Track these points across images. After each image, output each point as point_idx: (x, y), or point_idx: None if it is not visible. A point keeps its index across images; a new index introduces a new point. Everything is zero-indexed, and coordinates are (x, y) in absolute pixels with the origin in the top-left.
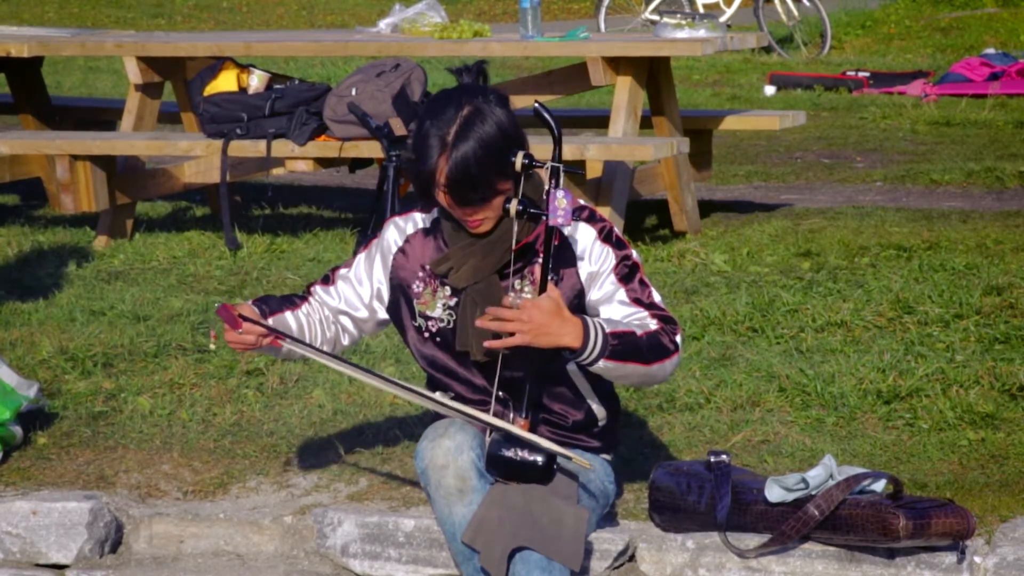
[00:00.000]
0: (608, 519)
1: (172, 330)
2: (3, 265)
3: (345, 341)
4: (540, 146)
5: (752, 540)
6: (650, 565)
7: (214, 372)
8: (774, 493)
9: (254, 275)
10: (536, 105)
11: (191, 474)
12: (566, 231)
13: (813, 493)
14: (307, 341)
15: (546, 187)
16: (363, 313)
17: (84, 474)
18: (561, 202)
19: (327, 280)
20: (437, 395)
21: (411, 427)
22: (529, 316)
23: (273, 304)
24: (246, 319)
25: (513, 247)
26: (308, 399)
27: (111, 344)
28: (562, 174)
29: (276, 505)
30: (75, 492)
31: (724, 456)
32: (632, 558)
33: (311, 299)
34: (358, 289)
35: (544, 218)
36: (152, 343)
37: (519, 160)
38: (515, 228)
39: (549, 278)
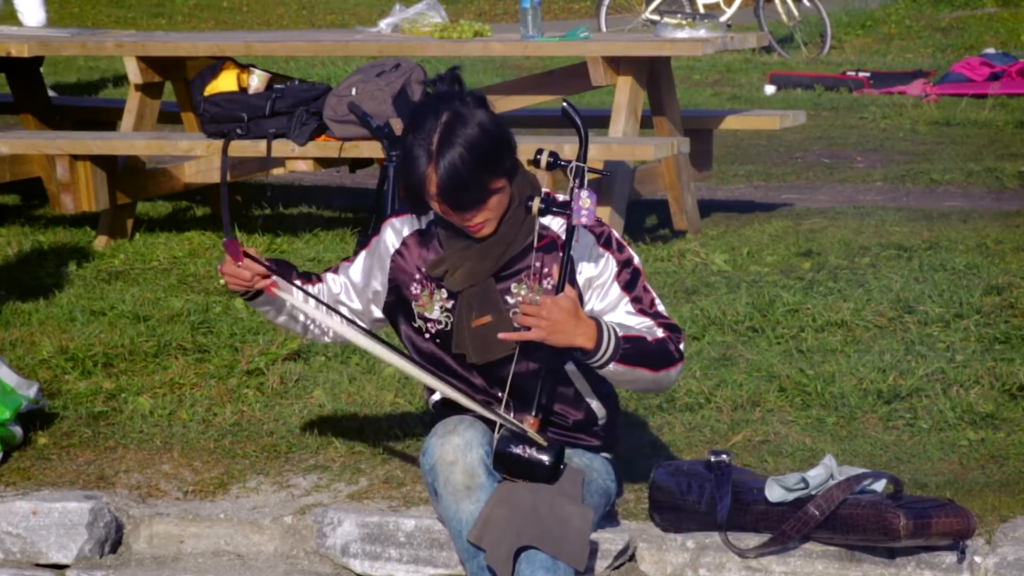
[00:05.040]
0: (608, 519)
1: (172, 330)
2: (3, 265)
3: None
4: (529, 145)
5: (752, 540)
6: (650, 565)
7: (214, 372)
8: (774, 493)
9: None
10: (564, 105)
11: (191, 474)
12: (565, 237)
13: (813, 493)
14: (303, 300)
15: (571, 186)
16: (357, 305)
17: (84, 474)
18: (585, 201)
19: (335, 269)
20: (429, 377)
21: (411, 426)
22: (548, 312)
23: (284, 267)
24: (249, 256)
25: (535, 244)
26: (308, 399)
27: (111, 344)
28: (586, 173)
29: (276, 505)
30: (75, 492)
31: (724, 456)
32: (632, 558)
33: (324, 282)
34: (354, 282)
35: (568, 217)
36: (152, 343)
37: (544, 158)
38: (536, 226)
39: (547, 283)
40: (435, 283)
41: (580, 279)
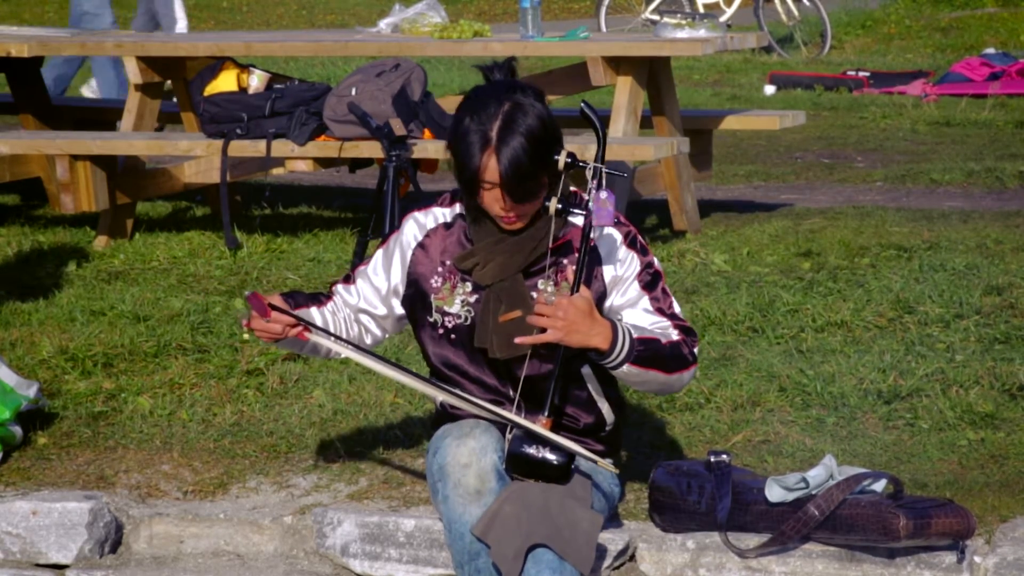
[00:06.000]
0: (609, 519)
1: (172, 330)
2: (3, 265)
3: (368, 340)
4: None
5: (752, 540)
6: (650, 565)
7: (214, 372)
8: (774, 493)
9: (254, 275)
10: (582, 105)
11: (191, 474)
12: (593, 234)
13: (813, 493)
14: (333, 340)
15: (589, 187)
16: (381, 310)
17: (84, 474)
18: (605, 203)
19: (348, 279)
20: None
21: (411, 427)
22: (564, 313)
23: (300, 299)
24: (275, 308)
25: (551, 245)
26: (308, 399)
27: (111, 344)
28: (603, 174)
29: (276, 505)
30: (75, 492)
31: (724, 456)
32: (632, 558)
33: (334, 298)
34: (376, 284)
35: (586, 218)
36: (152, 343)
37: (562, 159)
38: (552, 227)
39: (573, 279)
40: (459, 276)
41: (606, 276)
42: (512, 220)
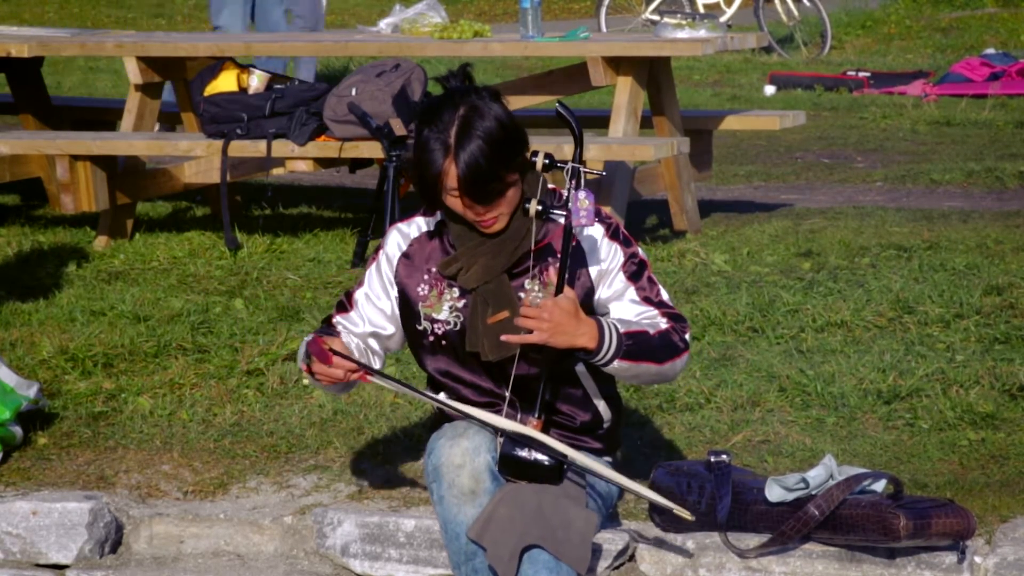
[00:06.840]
0: (608, 519)
1: (172, 330)
2: (3, 265)
3: (377, 364)
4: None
5: (752, 540)
6: (650, 565)
7: (214, 372)
8: (774, 493)
9: (254, 275)
10: (558, 106)
11: (191, 474)
12: (575, 230)
13: (813, 493)
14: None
15: (567, 187)
16: (390, 329)
17: (84, 474)
18: (583, 203)
19: (344, 308)
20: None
21: (411, 427)
22: (550, 314)
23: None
24: (336, 353)
25: (532, 248)
26: (308, 399)
27: (111, 344)
28: (583, 174)
29: (276, 505)
30: (75, 492)
31: (724, 456)
32: (632, 558)
33: (339, 330)
34: (379, 305)
35: (566, 219)
36: (152, 343)
37: (540, 160)
38: (534, 228)
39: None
40: (445, 283)
41: (592, 272)
42: (488, 223)
